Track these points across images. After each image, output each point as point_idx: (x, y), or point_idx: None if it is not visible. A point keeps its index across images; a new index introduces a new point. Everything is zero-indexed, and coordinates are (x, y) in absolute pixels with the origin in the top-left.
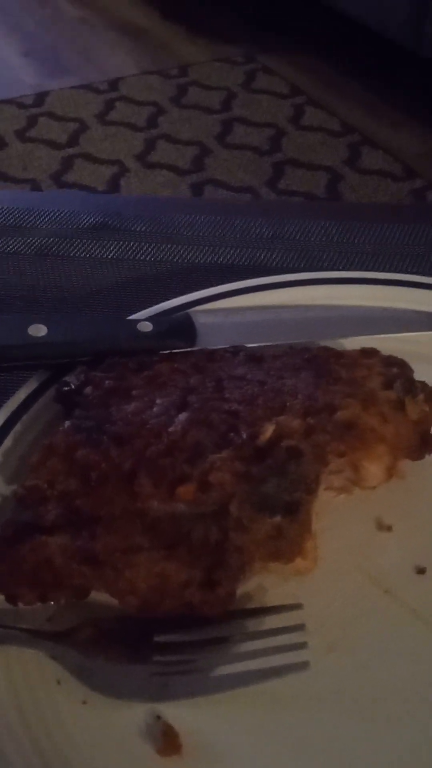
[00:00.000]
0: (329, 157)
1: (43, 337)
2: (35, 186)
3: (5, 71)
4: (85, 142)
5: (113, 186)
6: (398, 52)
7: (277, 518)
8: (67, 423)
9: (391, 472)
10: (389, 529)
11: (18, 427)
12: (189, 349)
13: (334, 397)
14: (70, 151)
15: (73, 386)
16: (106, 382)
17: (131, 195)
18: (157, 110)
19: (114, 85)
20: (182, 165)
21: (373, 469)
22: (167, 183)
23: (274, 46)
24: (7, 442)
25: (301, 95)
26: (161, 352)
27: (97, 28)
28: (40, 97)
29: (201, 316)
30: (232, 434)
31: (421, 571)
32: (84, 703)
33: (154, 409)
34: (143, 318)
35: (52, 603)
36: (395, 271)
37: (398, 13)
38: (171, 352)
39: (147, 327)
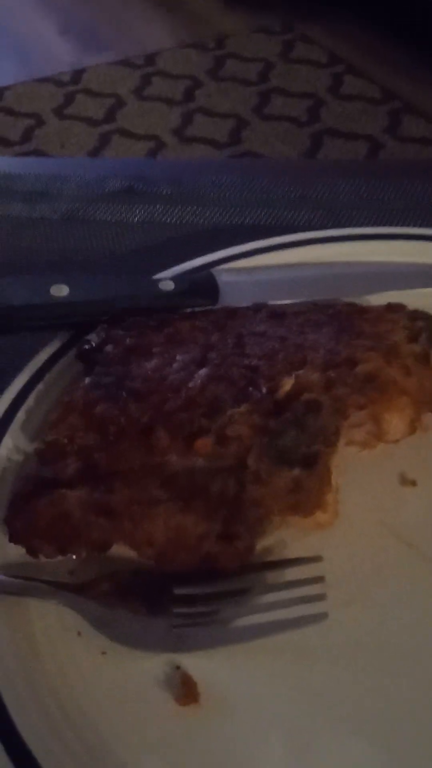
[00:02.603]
0: (369, 126)
1: (65, 297)
2: None
3: (42, 49)
4: (121, 117)
5: None
6: None
7: (296, 471)
8: (87, 380)
9: (414, 425)
10: (413, 483)
11: (41, 386)
12: (211, 308)
13: (355, 351)
14: (107, 127)
15: (93, 344)
16: (127, 340)
17: (158, 159)
18: (193, 83)
19: (150, 59)
20: (219, 138)
21: (395, 422)
22: (205, 157)
23: (312, 14)
24: (30, 401)
25: (341, 63)
26: (184, 310)
27: (132, 2)
28: (77, 74)
29: (224, 275)
30: (251, 389)
31: None
32: (103, 653)
33: (174, 365)
34: (166, 277)
35: (74, 557)
36: (426, 227)
37: None
38: (193, 311)
39: (169, 286)
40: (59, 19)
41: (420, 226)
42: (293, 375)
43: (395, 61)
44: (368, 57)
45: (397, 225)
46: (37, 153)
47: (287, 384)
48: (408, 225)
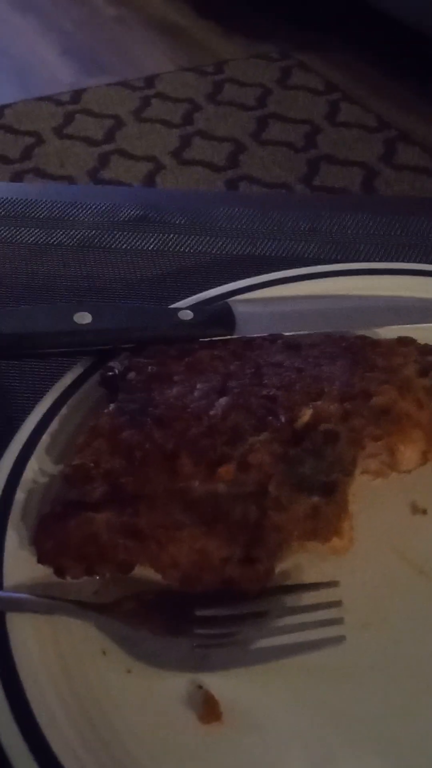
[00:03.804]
0: (365, 154)
1: (88, 324)
2: (72, 183)
3: (43, 69)
4: (121, 138)
5: (149, 182)
6: None
7: (315, 498)
8: (111, 406)
9: (426, 457)
10: (424, 512)
11: (64, 411)
12: (228, 337)
13: (370, 384)
14: (107, 147)
15: (117, 371)
16: (149, 367)
17: (171, 189)
18: (192, 107)
19: (150, 82)
20: (217, 161)
21: (409, 453)
22: (202, 179)
23: (309, 43)
24: (54, 424)
25: (337, 91)
26: (201, 339)
27: (133, 26)
28: (77, 95)
29: (240, 306)
30: (270, 418)
31: None
32: (128, 672)
33: (195, 393)
34: (184, 307)
35: (98, 577)
36: (431, 263)
37: None
38: (211, 340)
39: (188, 315)
40: (60, 41)
41: (426, 262)
42: (311, 405)
43: (391, 91)
44: (364, 86)
45: (403, 260)
46: (37, 171)
47: (306, 414)
48: (413, 260)
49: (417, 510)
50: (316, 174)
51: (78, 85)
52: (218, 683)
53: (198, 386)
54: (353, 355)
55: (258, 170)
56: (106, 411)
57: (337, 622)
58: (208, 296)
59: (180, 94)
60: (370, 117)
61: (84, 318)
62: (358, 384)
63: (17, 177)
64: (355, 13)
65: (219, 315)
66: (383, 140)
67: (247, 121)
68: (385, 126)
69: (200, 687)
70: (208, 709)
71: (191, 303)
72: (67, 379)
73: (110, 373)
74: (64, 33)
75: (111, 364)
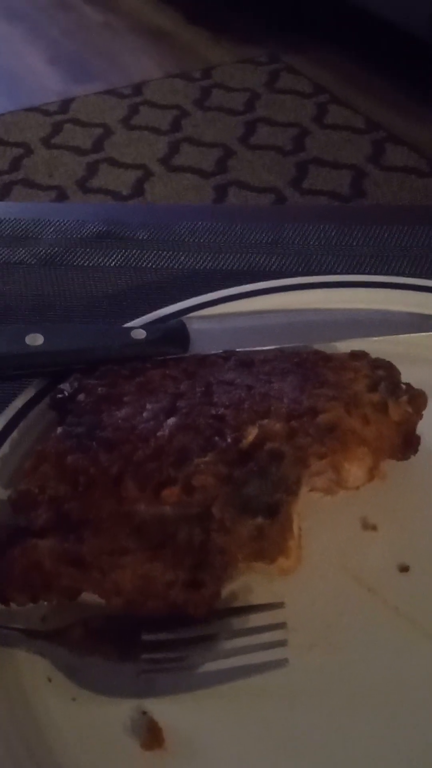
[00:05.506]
0: (353, 155)
1: (39, 346)
2: (61, 192)
3: (31, 79)
4: (109, 147)
5: (138, 190)
6: (422, 47)
7: (259, 519)
8: (59, 429)
9: (373, 473)
10: (374, 528)
11: (15, 435)
12: (182, 355)
13: (318, 401)
14: (95, 156)
15: (66, 393)
16: (99, 389)
17: (134, 203)
18: (180, 113)
19: (138, 89)
20: (206, 167)
21: (354, 470)
22: (191, 186)
23: (297, 45)
24: (4, 448)
25: (325, 93)
26: (155, 358)
27: (120, 32)
28: (65, 104)
29: (194, 323)
30: (217, 438)
31: (404, 569)
32: (73, 700)
33: (144, 414)
34: (138, 326)
35: (45, 603)
36: (392, 273)
37: (421, 8)
38: (164, 359)
39: (141, 334)
40: (48, 49)
41: (386, 271)
42: (257, 425)
43: (378, 92)
44: (352, 87)
45: (364, 271)
46: (25, 182)
47: (251, 434)
48: (375, 270)
49: (367, 526)
50: (305, 177)
51: (66, 94)
52: (163, 709)
53: (147, 407)
54: (304, 370)
55: (247, 175)
56: (53, 435)
57: (280, 644)
58: (162, 314)
59: (168, 101)
60: (358, 118)
61: (36, 339)
62: (306, 401)
63: (6, 188)
64: (341, 14)
65: (172, 333)
66: (372, 141)
67: (235, 126)
68: (374, 127)
69: (144, 713)
70: (151, 735)
71: (145, 321)
72: (18, 402)
73: (60, 396)
74: (51, 40)
75: (61, 386)
